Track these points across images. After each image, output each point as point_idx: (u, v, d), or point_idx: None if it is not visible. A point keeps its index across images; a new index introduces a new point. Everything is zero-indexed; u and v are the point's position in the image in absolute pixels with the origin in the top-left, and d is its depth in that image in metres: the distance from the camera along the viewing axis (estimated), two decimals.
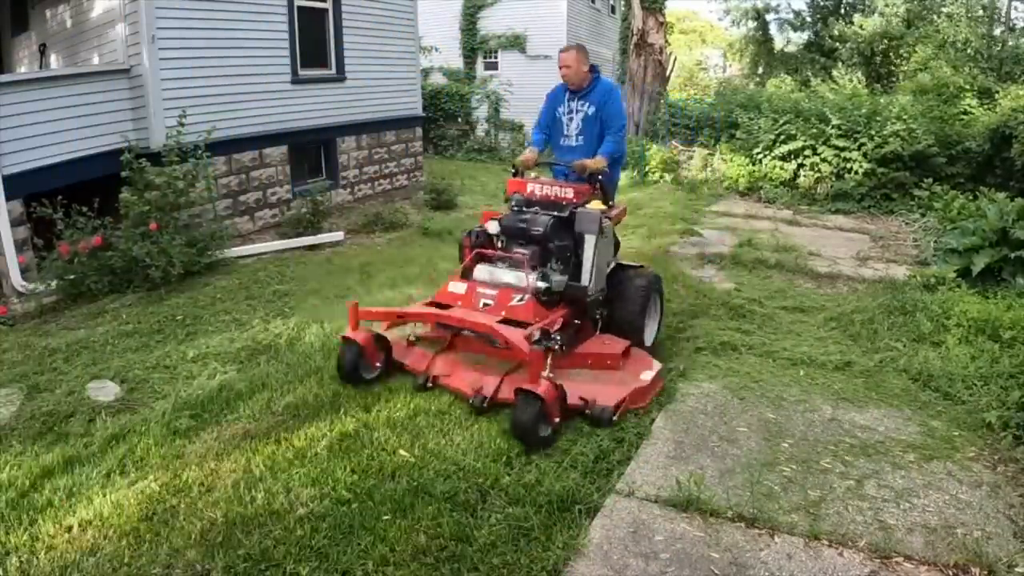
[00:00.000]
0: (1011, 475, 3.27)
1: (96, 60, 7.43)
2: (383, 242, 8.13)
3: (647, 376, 3.90)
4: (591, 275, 4.13)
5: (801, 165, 11.47)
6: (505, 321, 3.77)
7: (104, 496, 2.99)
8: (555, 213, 4.25)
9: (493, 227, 4.40)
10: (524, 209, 4.40)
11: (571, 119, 4.68)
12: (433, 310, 4.05)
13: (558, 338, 3.70)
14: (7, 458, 3.32)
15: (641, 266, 4.80)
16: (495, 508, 2.90)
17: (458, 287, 4.12)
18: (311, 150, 9.51)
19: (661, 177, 12.85)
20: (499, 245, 4.43)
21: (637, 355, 4.14)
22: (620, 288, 4.36)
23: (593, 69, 4.60)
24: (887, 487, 3.12)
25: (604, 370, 3.96)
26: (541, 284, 3.97)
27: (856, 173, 10.66)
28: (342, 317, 4.69)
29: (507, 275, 4.14)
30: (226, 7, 7.63)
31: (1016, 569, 2.59)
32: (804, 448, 3.44)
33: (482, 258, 4.32)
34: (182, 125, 6.60)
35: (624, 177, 13.33)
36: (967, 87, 12.49)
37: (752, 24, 26.33)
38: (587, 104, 4.61)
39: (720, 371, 4.37)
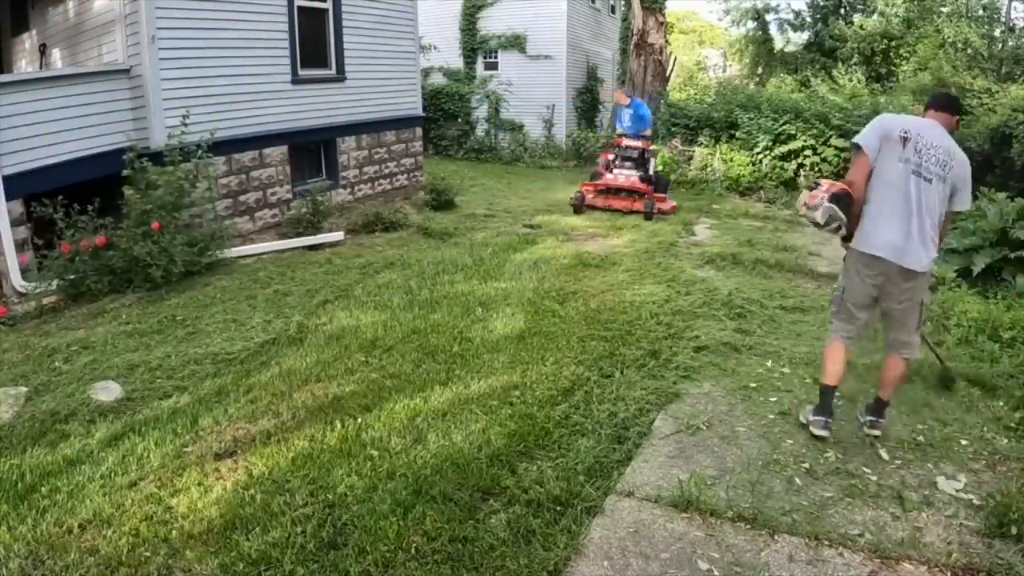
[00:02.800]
0: (1011, 475, 3.27)
1: (96, 60, 7.42)
2: (383, 242, 8.13)
3: (671, 203, 10.29)
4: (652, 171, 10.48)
5: (801, 165, 11.48)
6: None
7: (104, 496, 2.99)
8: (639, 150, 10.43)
9: (610, 155, 10.65)
10: (625, 150, 10.48)
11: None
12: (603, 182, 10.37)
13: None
14: (8, 458, 3.32)
15: (667, 179, 11.05)
16: (495, 508, 2.90)
17: (609, 175, 10.34)
18: (311, 150, 9.50)
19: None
20: (616, 164, 10.46)
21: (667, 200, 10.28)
22: (659, 182, 10.44)
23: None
24: (888, 487, 3.12)
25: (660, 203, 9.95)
26: (640, 174, 10.25)
27: None
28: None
29: (628, 172, 10.27)
30: (226, 7, 7.63)
31: (1016, 570, 2.59)
32: (806, 448, 3.44)
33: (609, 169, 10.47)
34: (185, 125, 6.60)
35: None
36: (967, 87, 12.50)
37: (752, 24, 26.33)
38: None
39: (720, 371, 4.37)
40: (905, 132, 3.28)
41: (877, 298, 3.44)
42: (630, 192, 10.14)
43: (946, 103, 3.46)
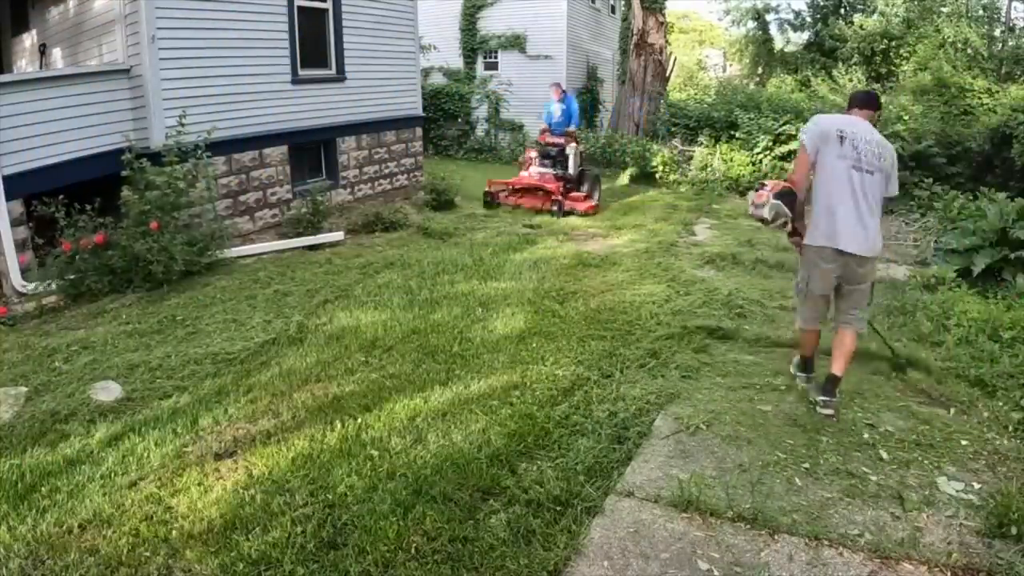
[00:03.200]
0: (1011, 475, 3.27)
1: (96, 60, 7.42)
2: (383, 242, 8.13)
3: (591, 203, 10.19)
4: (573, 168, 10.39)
5: None
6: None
7: (104, 496, 2.99)
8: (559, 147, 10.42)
9: (532, 152, 10.65)
10: (546, 147, 10.54)
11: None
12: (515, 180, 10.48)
13: (561, 189, 10.06)
14: (8, 458, 3.32)
15: (590, 168, 11.26)
16: (495, 508, 2.90)
17: (525, 173, 10.41)
18: (311, 150, 9.50)
19: (663, 176, 12.84)
20: (533, 162, 10.47)
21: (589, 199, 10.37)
22: (582, 176, 10.55)
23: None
24: (888, 487, 3.12)
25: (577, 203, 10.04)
26: (556, 172, 10.23)
27: None
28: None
29: (544, 169, 10.29)
30: (226, 7, 7.63)
31: (1016, 570, 2.59)
32: (806, 448, 3.44)
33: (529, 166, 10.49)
34: (182, 125, 6.60)
35: (625, 177, 13.35)
36: (968, 87, 12.50)
37: (752, 24, 26.33)
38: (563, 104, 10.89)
39: (721, 371, 4.37)
40: (841, 131, 3.58)
41: (837, 283, 3.74)
42: (540, 190, 10.05)
43: (867, 101, 3.80)
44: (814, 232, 3.68)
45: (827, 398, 3.70)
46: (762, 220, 3.73)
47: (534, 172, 10.28)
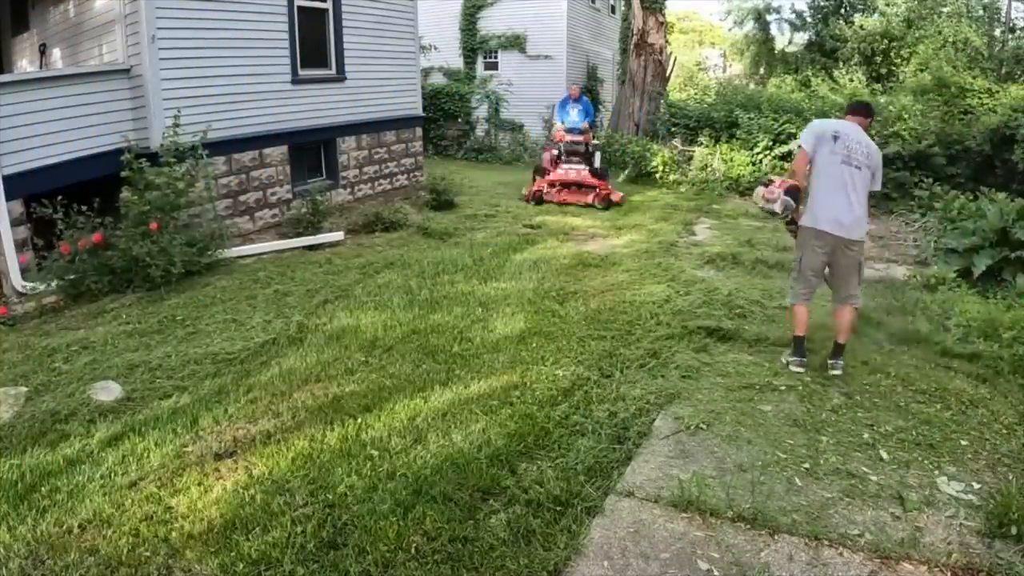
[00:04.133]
0: (1011, 475, 3.27)
1: (96, 60, 7.42)
2: (383, 242, 8.13)
3: (619, 194, 10.74)
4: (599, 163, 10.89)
5: None
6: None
7: (104, 496, 2.99)
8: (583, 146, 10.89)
9: (553, 151, 11.01)
10: (572, 144, 10.83)
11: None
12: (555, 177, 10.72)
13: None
14: (8, 458, 3.32)
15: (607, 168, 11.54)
16: (495, 508, 2.90)
17: (560, 171, 10.72)
18: (311, 150, 9.50)
19: (663, 176, 12.84)
20: (562, 159, 10.85)
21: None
22: (606, 170, 11.11)
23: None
24: (888, 487, 3.12)
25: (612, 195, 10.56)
26: (588, 167, 10.67)
27: None
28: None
29: (575, 166, 10.71)
30: (226, 7, 7.63)
31: (1016, 570, 2.59)
32: (806, 448, 3.44)
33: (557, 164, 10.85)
34: (178, 125, 6.59)
35: (626, 177, 13.34)
36: (968, 87, 12.49)
37: (753, 24, 26.33)
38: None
39: (721, 371, 4.37)
40: (835, 132, 4.20)
41: (827, 263, 4.30)
42: (580, 186, 10.59)
43: (860, 109, 4.46)
44: (809, 216, 4.26)
45: (835, 360, 4.27)
46: (772, 213, 4.39)
47: (569, 170, 10.71)
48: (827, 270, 4.38)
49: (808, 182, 4.24)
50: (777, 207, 4.25)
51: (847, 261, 4.25)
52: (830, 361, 4.29)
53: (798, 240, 4.39)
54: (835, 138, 4.15)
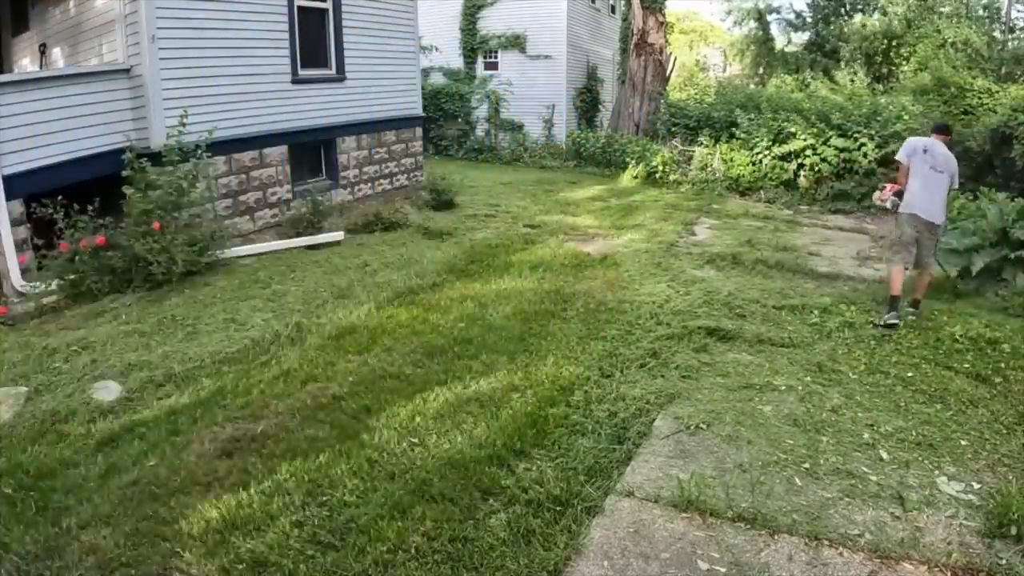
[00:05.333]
0: (1011, 475, 3.27)
1: (96, 60, 7.42)
2: (383, 242, 8.12)
3: None
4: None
5: (801, 165, 11.46)
6: None
7: (104, 496, 2.99)
8: None
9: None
10: None
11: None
12: None
13: None
14: (8, 458, 3.32)
15: None
16: (495, 508, 2.90)
17: None
18: (311, 150, 9.50)
19: (663, 176, 12.84)
20: None
21: None
22: None
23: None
24: (888, 487, 3.12)
25: None
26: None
27: (856, 173, 10.67)
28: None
29: None
30: (226, 7, 7.63)
31: (1016, 570, 2.59)
32: (806, 448, 3.44)
33: None
34: (183, 125, 6.60)
35: (626, 177, 13.35)
36: (967, 87, 12.49)
37: (753, 24, 26.33)
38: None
39: (721, 371, 4.37)
40: (924, 147, 5.50)
41: (917, 239, 5.45)
42: None
43: (943, 128, 5.86)
44: (906, 205, 5.48)
45: (915, 309, 5.45)
46: (883, 208, 5.90)
47: None
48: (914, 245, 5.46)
49: (906, 182, 5.49)
50: (889, 205, 5.67)
51: (930, 236, 5.49)
52: (909, 310, 5.43)
53: (897, 221, 5.63)
54: (924, 151, 5.43)
